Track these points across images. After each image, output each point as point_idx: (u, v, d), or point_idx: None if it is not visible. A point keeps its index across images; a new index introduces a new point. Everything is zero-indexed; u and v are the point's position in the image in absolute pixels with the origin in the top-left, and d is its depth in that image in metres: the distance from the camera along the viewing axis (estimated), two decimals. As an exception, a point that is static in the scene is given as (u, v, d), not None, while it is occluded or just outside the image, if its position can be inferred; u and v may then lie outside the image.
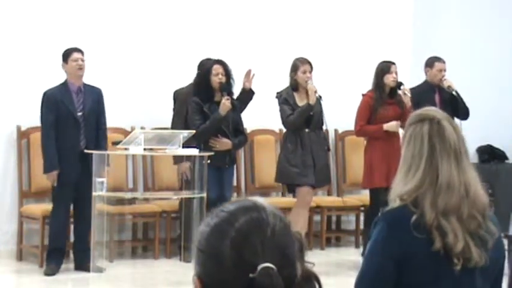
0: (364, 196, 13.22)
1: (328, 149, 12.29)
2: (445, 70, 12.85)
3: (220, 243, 2.48)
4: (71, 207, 11.85)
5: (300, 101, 11.75)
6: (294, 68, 11.84)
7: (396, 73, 12.34)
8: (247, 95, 11.44)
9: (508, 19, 17.13)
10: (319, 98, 11.76)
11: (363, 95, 12.45)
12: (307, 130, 11.71)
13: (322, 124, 11.97)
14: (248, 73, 11.42)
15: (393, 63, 12.36)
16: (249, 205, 2.59)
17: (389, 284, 4.25)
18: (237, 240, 2.47)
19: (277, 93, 11.71)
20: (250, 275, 2.40)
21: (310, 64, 11.86)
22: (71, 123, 11.63)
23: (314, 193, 11.90)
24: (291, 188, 11.46)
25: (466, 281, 4.28)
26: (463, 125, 11.44)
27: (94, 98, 11.82)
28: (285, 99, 11.70)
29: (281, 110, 11.75)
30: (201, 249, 2.54)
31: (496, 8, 17.04)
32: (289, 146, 11.75)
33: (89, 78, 12.03)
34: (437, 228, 4.14)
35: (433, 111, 4.58)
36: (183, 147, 10.55)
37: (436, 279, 4.25)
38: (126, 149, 10.82)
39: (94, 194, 10.90)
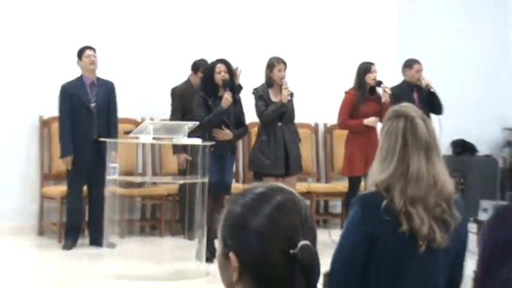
0: (349, 183, 13.17)
1: (299, 141, 12.29)
2: (422, 70, 13.00)
3: (257, 218, 2.47)
4: (85, 188, 12.02)
5: (274, 97, 11.81)
6: (270, 66, 11.85)
7: (376, 72, 12.47)
8: (236, 88, 11.52)
9: (481, 24, 17.18)
10: (291, 95, 11.80)
11: (346, 92, 12.65)
12: (279, 124, 11.75)
13: (293, 118, 12.04)
14: (235, 70, 11.50)
15: (373, 64, 12.55)
16: (281, 187, 2.60)
17: (360, 260, 4.37)
18: (276, 215, 2.47)
19: (254, 89, 11.80)
20: (291, 251, 2.41)
21: (285, 63, 11.87)
22: (85, 114, 11.87)
23: (294, 182, 11.88)
24: (258, 177, 11.48)
25: (430, 260, 4.41)
26: (440, 121, 11.74)
27: (107, 90, 12.06)
28: (260, 96, 11.77)
29: (256, 106, 11.82)
30: (236, 225, 2.53)
31: (471, 14, 17.08)
32: (263, 138, 11.78)
33: (104, 73, 12.20)
34: (405, 214, 4.29)
35: (409, 108, 4.66)
36: (187, 137, 10.60)
37: (403, 258, 4.38)
38: (136, 137, 10.83)
39: (108, 177, 10.86)
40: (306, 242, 2.43)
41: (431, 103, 12.27)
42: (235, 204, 2.56)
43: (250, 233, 2.48)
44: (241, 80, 11.75)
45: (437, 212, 4.38)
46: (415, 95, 12.40)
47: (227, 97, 11.23)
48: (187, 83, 12.73)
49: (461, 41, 16.68)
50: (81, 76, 12.00)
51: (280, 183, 2.78)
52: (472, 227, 6.96)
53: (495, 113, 16.80)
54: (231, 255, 2.49)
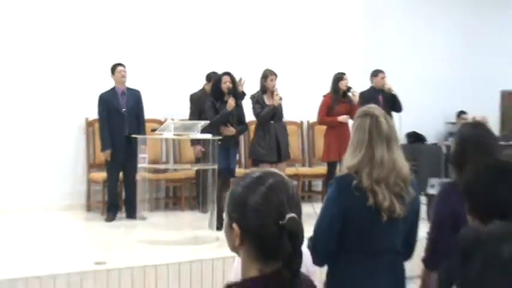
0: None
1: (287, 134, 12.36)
2: (385, 78, 13.05)
3: (254, 196, 2.52)
4: (121, 174, 12.12)
5: (268, 101, 11.86)
6: (264, 77, 11.92)
7: (347, 80, 12.60)
8: (240, 95, 11.57)
9: (437, 36, 17.20)
10: (281, 99, 11.85)
11: (324, 96, 12.77)
12: (272, 122, 11.83)
13: (283, 117, 12.08)
14: (240, 80, 11.55)
15: (345, 74, 12.68)
16: (273, 172, 2.65)
17: (337, 227, 4.43)
18: (269, 193, 2.53)
19: (251, 95, 11.82)
20: (281, 222, 2.45)
21: (276, 74, 11.95)
22: (118, 116, 11.99)
23: (284, 167, 11.94)
24: (256, 163, 11.55)
25: (391, 227, 4.47)
26: (401, 118, 11.81)
27: (135, 98, 12.15)
28: (256, 100, 11.83)
29: (253, 108, 11.86)
30: (238, 202, 2.57)
31: (429, 26, 17.11)
32: (259, 133, 11.87)
33: (135, 83, 12.34)
34: (371, 191, 4.37)
35: (374, 109, 4.70)
36: (201, 133, 10.66)
37: (370, 226, 4.44)
38: (160, 134, 10.87)
39: (139, 165, 10.97)
40: (293, 214, 2.48)
41: (393, 104, 12.30)
42: (237, 185, 2.62)
43: (248, 208, 2.53)
44: (245, 88, 11.76)
45: (397, 189, 4.45)
46: (380, 98, 12.44)
47: (231, 102, 11.32)
48: (203, 90, 12.79)
49: (416, 53, 16.72)
50: (114, 87, 12.11)
51: (273, 169, 2.85)
52: (423, 200, 7.01)
53: (440, 110, 16.86)
54: (234, 225, 2.56)
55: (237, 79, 11.61)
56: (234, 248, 2.63)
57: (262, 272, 2.53)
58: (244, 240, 2.56)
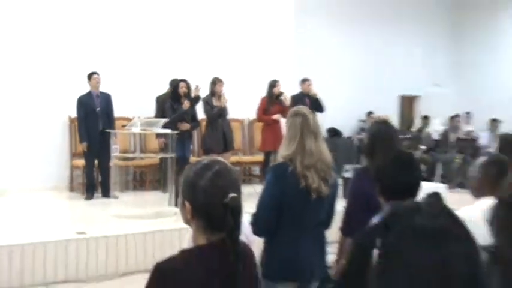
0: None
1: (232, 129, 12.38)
2: (311, 85, 13.07)
3: (203, 180, 2.56)
4: (96, 162, 12.01)
5: (216, 102, 11.79)
6: (213, 82, 11.89)
7: (280, 86, 12.60)
8: (196, 99, 11.52)
9: (351, 50, 17.30)
10: (226, 101, 11.87)
11: (261, 98, 12.71)
12: (220, 120, 11.77)
13: (228, 115, 12.04)
14: (196, 86, 11.51)
15: (278, 81, 12.67)
16: (218, 160, 2.68)
17: (275, 207, 4.43)
18: (214, 177, 2.57)
19: (203, 98, 11.71)
20: (224, 201, 2.51)
21: (222, 81, 11.93)
22: (93, 115, 11.86)
23: (229, 155, 11.98)
24: (206, 153, 11.52)
25: (318, 204, 4.53)
26: (321, 116, 11.80)
27: (107, 100, 12.06)
28: (207, 102, 11.74)
29: (204, 108, 11.79)
30: (190, 184, 2.61)
31: (346, 41, 17.21)
32: (209, 128, 11.82)
33: (108, 86, 12.24)
34: (303, 176, 4.41)
35: (303, 109, 4.76)
36: (162, 128, 10.61)
37: (302, 204, 4.47)
38: (129, 129, 10.83)
39: (111, 154, 10.99)
40: (234, 194, 2.54)
41: (316, 106, 12.32)
42: (190, 170, 2.66)
43: (198, 189, 2.57)
44: (201, 93, 11.68)
45: (322, 173, 4.50)
46: (307, 101, 12.40)
47: (186, 103, 11.32)
48: (167, 93, 12.66)
49: (335, 63, 16.82)
50: (90, 91, 11.98)
51: (219, 157, 2.85)
52: (340, 182, 7.06)
53: (353, 110, 16.98)
54: (187, 203, 2.61)
55: (195, 85, 11.56)
56: (187, 221, 2.66)
57: (209, 240, 2.58)
58: (194, 215, 2.60)
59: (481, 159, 4.33)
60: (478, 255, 1.80)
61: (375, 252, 1.80)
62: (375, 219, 3.46)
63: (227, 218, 2.49)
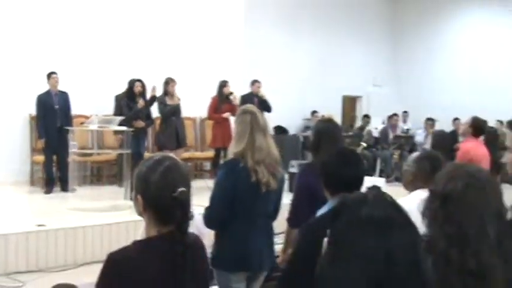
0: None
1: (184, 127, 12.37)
2: (260, 87, 13.12)
3: (155, 175, 2.57)
4: (55, 158, 11.85)
5: (170, 101, 11.77)
6: (166, 82, 11.86)
7: (229, 86, 12.61)
8: (152, 99, 11.47)
9: (298, 52, 17.35)
10: (179, 100, 11.86)
11: (212, 98, 12.70)
12: (173, 118, 11.73)
13: (181, 113, 12.00)
14: (153, 87, 11.46)
15: (227, 81, 12.68)
16: (169, 156, 2.70)
17: (227, 201, 4.44)
18: (165, 173, 2.57)
19: (157, 97, 11.64)
20: (173, 194, 2.52)
21: (175, 81, 11.88)
22: (52, 112, 11.65)
23: (181, 152, 12.01)
24: (160, 149, 11.45)
25: (267, 198, 4.56)
26: (269, 114, 11.85)
27: (65, 98, 11.84)
28: (161, 101, 11.72)
29: (159, 107, 11.77)
30: (142, 179, 2.61)
31: (293, 44, 17.25)
32: (163, 126, 11.78)
33: (67, 85, 12.03)
34: (253, 170, 4.44)
35: (252, 107, 4.80)
36: (118, 125, 10.55)
37: (253, 197, 4.49)
38: (87, 126, 10.74)
39: (70, 150, 10.75)
40: (183, 188, 2.54)
41: (264, 106, 12.36)
42: (142, 166, 2.67)
43: (149, 184, 2.58)
44: (156, 92, 11.68)
45: (271, 168, 4.53)
46: (256, 101, 12.44)
47: (141, 102, 11.33)
48: (124, 92, 12.57)
49: (282, 65, 16.87)
50: (49, 90, 11.76)
51: (170, 153, 2.86)
52: (286, 176, 7.08)
53: (298, 109, 17.06)
54: (139, 196, 2.61)
55: (152, 86, 11.55)
56: (140, 214, 2.67)
57: (160, 232, 2.59)
58: (146, 208, 2.61)
59: (414, 154, 4.42)
60: (419, 243, 1.85)
61: (325, 240, 1.82)
62: (320, 211, 3.48)
63: (176, 211, 2.51)
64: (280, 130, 16.34)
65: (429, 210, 2.48)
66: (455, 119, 17.17)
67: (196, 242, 2.75)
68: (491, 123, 14.17)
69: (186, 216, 2.54)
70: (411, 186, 4.21)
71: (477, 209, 2.41)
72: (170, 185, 2.55)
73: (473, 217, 2.39)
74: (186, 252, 2.52)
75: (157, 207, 2.57)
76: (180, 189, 2.53)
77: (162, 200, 2.55)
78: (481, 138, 8.23)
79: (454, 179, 2.47)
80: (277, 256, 5.15)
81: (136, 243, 2.59)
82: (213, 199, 4.51)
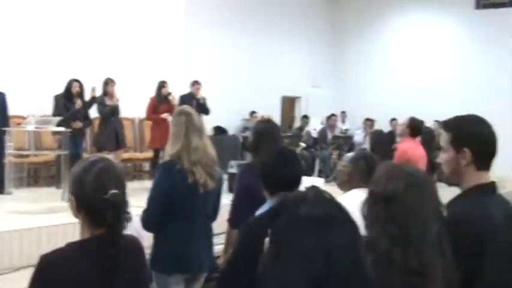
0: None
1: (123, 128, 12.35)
2: (200, 88, 13.12)
3: (88, 176, 2.56)
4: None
5: (109, 102, 11.72)
6: (106, 83, 11.81)
7: (168, 87, 12.59)
8: (92, 100, 11.38)
9: (236, 53, 17.33)
10: (118, 100, 11.80)
11: (151, 98, 12.63)
12: (112, 118, 11.71)
13: (120, 114, 11.99)
14: (93, 88, 11.37)
15: (166, 82, 12.64)
16: (104, 158, 2.69)
17: (164, 203, 4.45)
18: (98, 174, 2.56)
19: (96, 97, 11.55)
20: (105, 196, 2.50)
21: (114, 81, 11.85)
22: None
23: (121, 153, 12.00)
24: (99, 150, 11.36)
25: (205, 198, 4.58)
26: (209, 116, 11.86)
27: (1, 98, 11.40)
28: (100, 101, 11.65)
29: (98, 108, 11.71)
30: (75, 180, 2.61)
31: (232, 44, 17.22)
32: (102, 127, 11.73)
33: (4, 86, 11.70)
34: (190, 171, 4.45)
35: (187, 108, 4.85)
36: (56, 126, 10.43)
37: (191, 199, 4.50)
38: (24, 127, 10.59)
39: (6, 152, 10.63)
40: (115, 191, 2.52)
41: (203, 109, 12.38)
42: (77, 166, 2.67)
43: (82, 185, 2.57)
44: (97, 93, 11.61)
45: (208, 169, 4.56)
46: (194, 102, 12.43)
47: (78, 102, 11.19)
48: (63, 93, 12.39)
49: (222, 66, 16.84)
50: (-16, 89, 11.51)
51: (110, 155, 2.85)
52: (225, 177, 7.08)
53: (237, 110, 17.06)
54: (72, 198, 2.61)
55: (91, 87, 11.47)
56: (75, 216, 2.67)
57: (93, 234, 2.57)
58: (79, 209, 2.61)
59: (349, 154, 4.48)
60: (360, 241, 1.86)
61: (267, 239, 1.83)
62: (260, 211, 3.50)
63: (108, 213, 2.50)
64: (219, 130, 16.34)
65: (371, 211, 2.51)
66: (393, 120, 17.42)
67: (134, 244, 2.74)
68: (429, 123, 14.45)
69: (118, 218, 2.53)
70: (347, 185, 4.26)
71: (419, 208, 2.45)
72: (103, 186, 2.53)
73: (415, 217, 2.43)
74: (118, 254, 2.51)
75: (90, 208, 2.56)
76: (112, 191, 2.52)
77: (94, 201, 2.54)
78: (418, 138, 8.37)
79: (394, 180, 2.50)
80: (218, 257, 5.16)
81: (70, 245, 2.57)
82: (150, 201, 4.51)
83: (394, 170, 2.57)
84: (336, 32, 21.02)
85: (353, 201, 2.45)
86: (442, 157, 2.95)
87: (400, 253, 2.37)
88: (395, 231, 2.40)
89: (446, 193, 2.82)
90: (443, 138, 2.93)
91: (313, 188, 1.91)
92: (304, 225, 1.78)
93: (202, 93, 13.25)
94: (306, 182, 2.95)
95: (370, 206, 2.52)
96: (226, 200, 4.92)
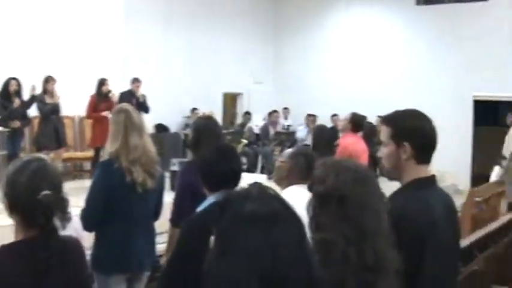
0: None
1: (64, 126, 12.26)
2: (139, 86, 13.05)
3: (21, 176, 2.52)
4: None
5: (49, 100, 11.62)
6: (46, 81, 11.69)
7: (108, 85, 12.50)
8: (32, 99, 11.24)
9: (176, 49, 17.22)
10: (59, 98, 11.70)
11: (91, 96, 12.49)
12: (53, 116, 11.61)
13: (60, 112, 11.88)
14: (32, 86, 11.23)
15: (106, 79, 12.53)
16: (39, 157, 2.65)
17: (102, 200, 4.42)
18: (30, 175, 2.52)
19: (35, 95, 11.43)
20: (37, 197, 2.45)
21: (55, 79, 11.76)
22: None
23: (62, 152, 11.93)
24: (39, 149, 11.23)
25: (146, 197, 4.57)
26: (146, 115, 11.77)
27: None
28: (40, 100, 11.52)
29: (37, 106, 11.59)
30: (8, 181, 2.56)
31: (171, 40, 17.09)
32: (42, 126, 11.62)
33: None
34: (128, 170, 4.43)
35: (127, 106, 4.85)
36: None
37: (130, 199, 4.50)
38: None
39: None
40: (47, 191, 2.48)
41: (142, 107, 12.29)
42: (11, 166, 2.62)
43: (15, 186, 2.53)
44: (36, 91, 11.50)
45: (148, 167, 4.55)
46: (133, 101, 12.33)
47: (16, 101, 11.04)
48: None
49: (162, 63, 16.69)
50: None
51: (51, 154, 2.81)
52: (167, 175, 7.04)
53: (178, 107, 16.95)
54: (6, 198, 2.57)
55: (31, 86, 11.35)
56: (9, 216, 2.62)
57: (26, 235, 2.54)
58: (13, 211, 2.57)
59: (288, 150, 4.49)
60: (306, 238, 1.87)
61: (212, 238, 1.82)
62: (200, 208, 3.48)
63: (40, 214, 2.46)
64: (160, 128, 16.25)
65: (322, 212, 2.46)
66: (334, 115, 17.55)
67: (73, 245, 2.70)
68: (372, 119, 14.59)
69: (50, 220, 2.49)
70: (285, 182, 4.27)
71: (370, 203, 2.45)
72: (36, 187, 2.50)
73: (368, 212, 2.43)
74: (51, 257, 2.47)
75: (23, 210, 2.53)
76: (44, 192, 2.48)
77: (26, 202, 2.50)
78: (360, 133, 8.45)
79: (342, 177, 2.48)
80: (161, 256, 5.13)
81: (3, 247, 2.53)
82: (88, 200, 4.48)
83: (337, 167, 2.55)
84: (278, 27, 21.04)
85: (294, 198, 2.43)
86: (383, 151, 2.97)
87: (355, 252, 2.35)
88: (349, 230, 2.37)
89: (388, 187, 2.84)
90: (384, 132, 2.96)
91: (257, 185, 1.90)
92: (249, 222, 1.77)
93: (142, 91, 13.15)
94: (249, 178, 2.94)
95: (320, 207, 2.48)
96: (169, 198, 4.88)
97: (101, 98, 12.35)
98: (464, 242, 5.76)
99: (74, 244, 2.71)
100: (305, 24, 20.48)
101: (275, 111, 18.18)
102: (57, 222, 2.52)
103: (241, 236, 1.76)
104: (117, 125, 4.57)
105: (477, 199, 8.64)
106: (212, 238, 1.83)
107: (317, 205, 2.49)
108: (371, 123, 14.18)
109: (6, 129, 10.58)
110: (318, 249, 2.28)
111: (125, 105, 4.82)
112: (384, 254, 2.39)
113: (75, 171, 14.15)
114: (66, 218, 2.56)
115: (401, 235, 2.53)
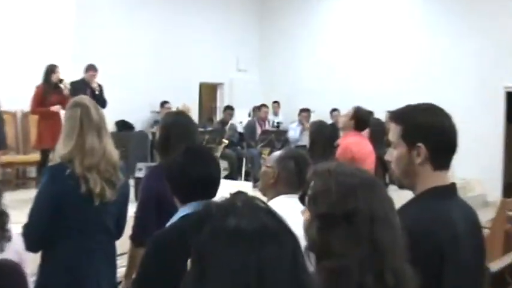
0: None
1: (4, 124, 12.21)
2: (95, 75, 12.95)
3: None
4: None
5: None
6: None
7: (59, 73, 12.36)
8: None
9: (141, 33, 17.21)
10: None
11: (36, 87, 12.35)
12: None
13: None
14: None
15: (57, 66, 12.37)
16: None
17: (49, 212, 4.34)
18: None
19: None
20: None
21: None
22: None
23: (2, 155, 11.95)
24: None
25: (103, 211, 4.48)
26: (110, 107, 11.77)
27: None
28: None
29: None
30: None
31: (134, 22, 17.08)
32: None
33: None
34: (83, 178, 4.37)
35: (85, 99, 4.73)
36: None
37: (84, 211, 4.43)
38: None
39: None
40: None
41: (99, 99, 12.24)
42: None
43: None
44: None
45: (107, 175, 4.48)
46: (88, 91, 12.26)
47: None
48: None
49: (123, 48, 16.67)
50: None
51: None
52: (132, 183, 7.01)
53: (145, 100, 16.96)
54: None
55: None
56: None
57: None
58: None
59: (276, 153, 4.45)
60: (300, 256, 1.87)
61: (189, 260, 1.83)
62: (170, 223, 3.46)
63: None
64: (123, 126, 16.21)
65: (327, 233, 2.40)
66: (334, 110, 17.54)
67: (12, 269, 2.67)
68: (380, 114, 14.47)
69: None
70: (272, 191, 4.20)
71: (382, 214, 2.40)
72: None
73: (381, 225, 2.37)
74: None
75: None
76: None
77: None
78: (365, 132, 8.44)
79: (343, 188, 2.41)
80: (120, 282, 5.11)
81: None
82: (32, 214, 4.40)
83: (337, 175, 2.46)
84: (265, 6, 21.04)
85: (282, 210, 2.39)
86: (392, 154, 2.95)
87: (372, 278, 2.30)
88: (363, 251, 2.32)
89: (399, 198, 2.81)
90: (393, 131, 2.94)
91: (242, 195, 1.89)
92: (234, 240, 1.77)
93: (98, 80, 13.00)
94: (231, 187, 2.93)
95: (325, 228, 2.40)
96: (133, 212, 4.84)
97: (49, 89, 12.22)
98: (495, 266, 5.76)
99: (12, 269, 2.68)
100: (293, 15, 20.40)
101: (264, 105, 18.15)
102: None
103: (224, 257, 1.76)
104: (72, 122, 4.51)
105: (510, 213, 8.62)
106: (189, 261, 1.83)
107: (321, 227, 2.41)
108: (378, 119, 14.18)
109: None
110: (327, 279, 2.26)
111: (83, 98, 4.75)
112: (403, 273, 2.36)
113: (17, 179, 14.12)
114: (5, 236, 2.54)
115: (416, 250, 2.49)
